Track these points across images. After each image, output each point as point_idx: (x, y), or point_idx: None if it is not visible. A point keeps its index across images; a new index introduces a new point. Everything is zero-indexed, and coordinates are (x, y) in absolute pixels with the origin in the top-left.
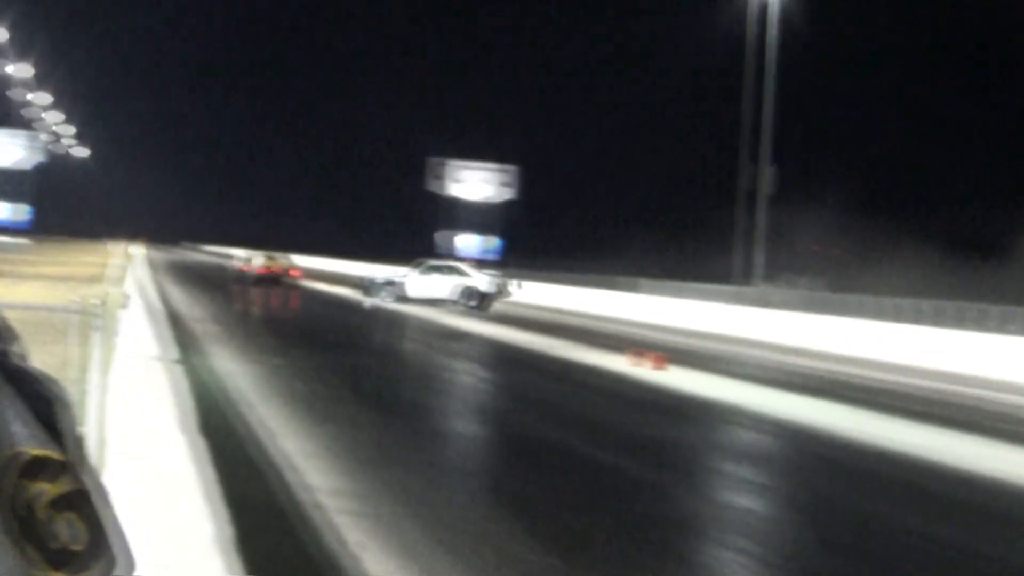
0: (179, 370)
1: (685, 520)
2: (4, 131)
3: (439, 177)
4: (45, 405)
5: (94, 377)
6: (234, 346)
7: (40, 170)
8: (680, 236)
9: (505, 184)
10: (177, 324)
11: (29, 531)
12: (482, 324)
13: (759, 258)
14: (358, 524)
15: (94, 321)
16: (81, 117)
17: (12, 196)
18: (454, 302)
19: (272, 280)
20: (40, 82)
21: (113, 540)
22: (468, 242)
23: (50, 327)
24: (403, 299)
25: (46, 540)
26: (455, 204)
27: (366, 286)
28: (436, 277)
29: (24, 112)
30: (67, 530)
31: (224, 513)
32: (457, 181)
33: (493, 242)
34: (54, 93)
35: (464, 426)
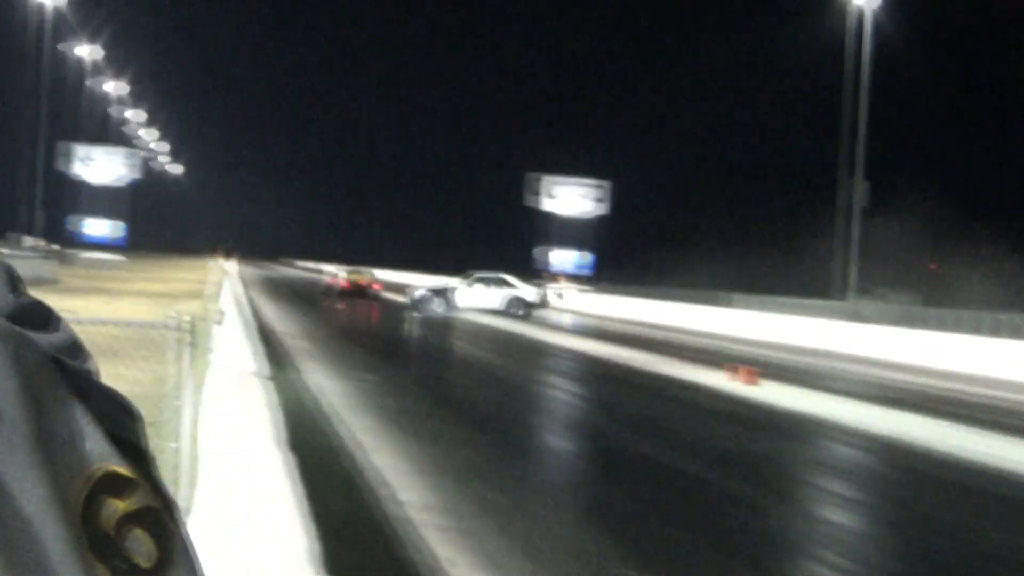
0: (272, 385)
1: (779, 535)
2: (103, 148)
3: (536, 192)
4: (119, 421)
5: (187, 393)
6: (325, 361)
7: (136, 187)
8: (775, 250)
9: (598, 199)
10: (270, 340)
11: (99, 547)
12: (573, 339)
13: (853, 272)
14: (448, 539)
15: (187, 337)
16: (176, 134)
17: (109, 213)
18: (502, 311)
19: (357, 293)
20: (135, 100)
21: (183, 558)
22: (562, 257)
23: (146, 343)
24: (452, 309)
25: (115, 556)
26: (550, 219)
27: (416, 297)
28: (483, 288)
29: (122, 130)
30: (137, 547)
31: (315, 528)
32: (552, 196)
33: (586, 257)
34: (149, 110)
35: (555, 441)
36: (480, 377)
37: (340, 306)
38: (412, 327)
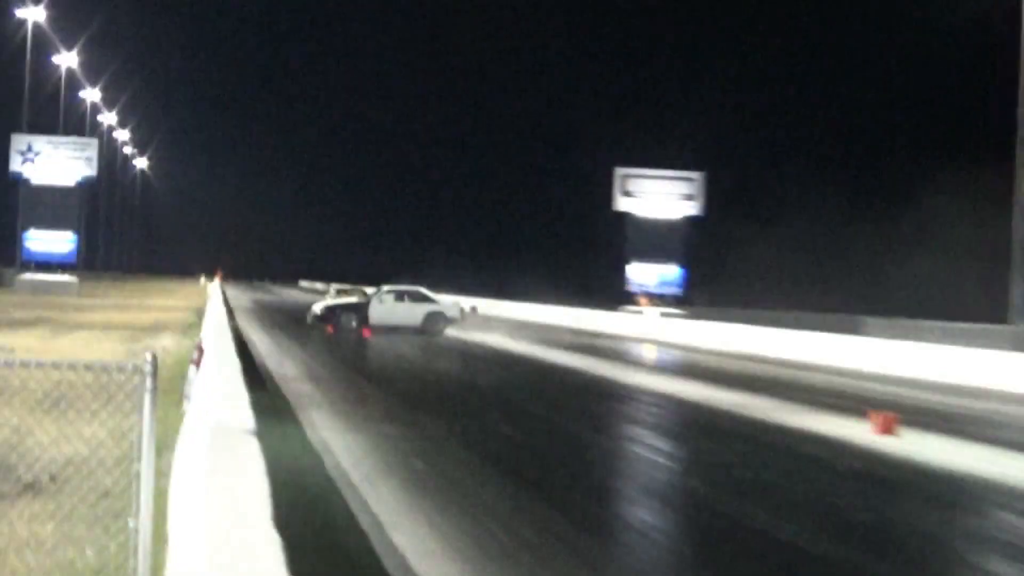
0: (265, 443)
1: None
2: (48, 138)
3: (620, 192)
4: None
5: (151, 455)
6: (332, 409)
7: (91, 187)
8: (918, 260)
9: (687, 196)
10: (263, 382)
11: None
12: (659, 378)
13: (1021, 286)
14: None
15: (149, 382)
16: (148, 119)
17: (54, 221)
18: (419, 329)
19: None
20: (98, 83)
21: None
22: (643, 272)
23: (104, 391)
24: (365, 326)
25: None
26: (628, 223)
27: (316, 313)
28: (398, 303)
29: (97, 119)
30: None
31: None
32: (628, 194)
33: (672, 271)
34: (116, 97)
35: (636, 512)
36: (533, 427)
37: (356, 341)
38: (439, 360)
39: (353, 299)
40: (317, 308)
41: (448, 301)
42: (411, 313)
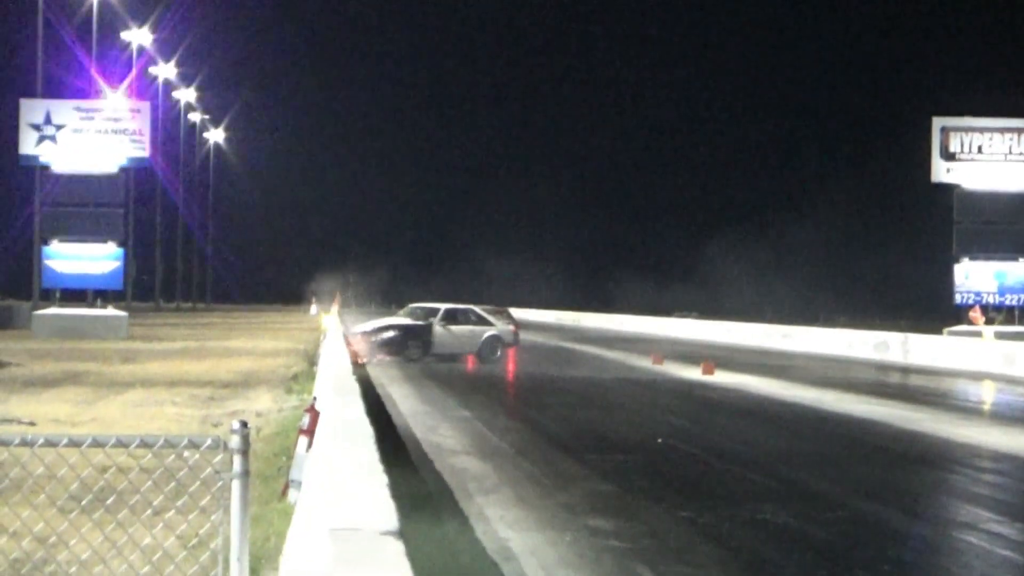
0: (415, 551)
1: None
2: (77, 104)
3: (948, 154)
4: None
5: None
6: (514, 495)
7: (140, 175)
8: None
9: None
10: (406, 458)
11: None
12: (994, 433)
13: None
14: None
15: (239, 463)
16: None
17: (89, 229)
18: (476, 356)
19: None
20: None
21: None
22: (974, 273)
23: (165, 479)
24: (427, 353)
25: None
26: (955, 197)
27: (379, 340)
28: (456, 326)
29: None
30: None
31: None
32: (948, 155)
33: (1017, 271)
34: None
35: None
36: (814, 511)
37: (555, 388)
38: (663, 413)
39: (406, 320)
40: (384, 334)
41: (500, 322)
42: (470, 337)
